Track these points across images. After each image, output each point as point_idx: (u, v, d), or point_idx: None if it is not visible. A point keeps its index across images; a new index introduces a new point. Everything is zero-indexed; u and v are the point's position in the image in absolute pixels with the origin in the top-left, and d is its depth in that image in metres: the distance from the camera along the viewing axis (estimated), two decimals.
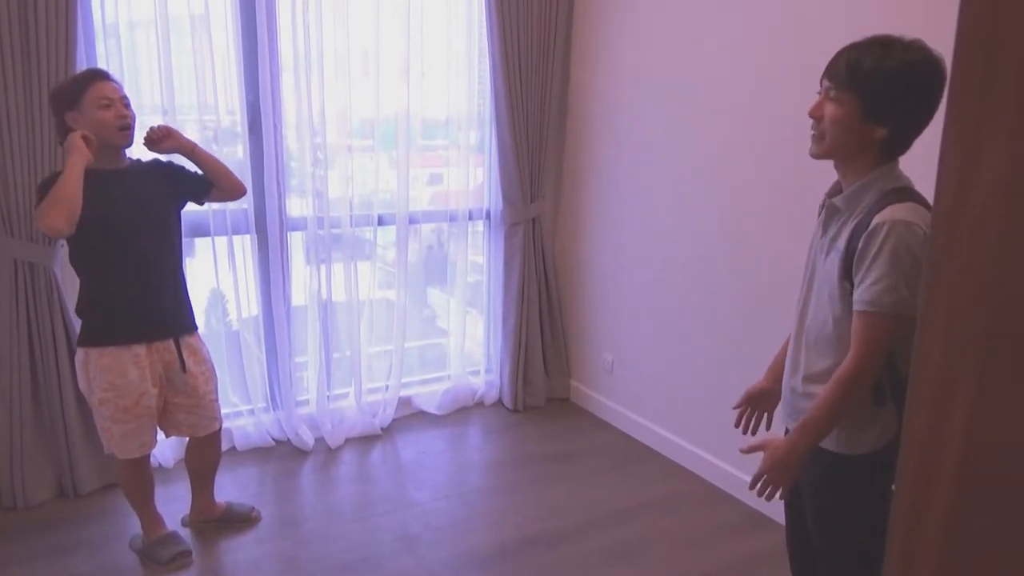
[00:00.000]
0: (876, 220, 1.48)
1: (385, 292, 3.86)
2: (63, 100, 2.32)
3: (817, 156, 1.61)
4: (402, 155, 3.58)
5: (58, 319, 2.87)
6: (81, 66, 2.81)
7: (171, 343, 2.50)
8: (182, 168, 2.59)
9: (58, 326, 2.87)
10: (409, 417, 3.89)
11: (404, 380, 3.85)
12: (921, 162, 1.48)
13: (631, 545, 2.82)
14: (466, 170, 3.81)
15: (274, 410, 3.53)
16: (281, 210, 3.33)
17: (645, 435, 3.65)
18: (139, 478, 2.61)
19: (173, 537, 2.68)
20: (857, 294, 1.51)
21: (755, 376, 1.96)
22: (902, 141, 1.55)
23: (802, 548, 1.86)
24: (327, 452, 3.50)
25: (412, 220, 3.74)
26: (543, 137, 3.82)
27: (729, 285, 3.10)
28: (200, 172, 2.57)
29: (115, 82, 2.38)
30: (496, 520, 2.98)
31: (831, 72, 1.55)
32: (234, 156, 3.27)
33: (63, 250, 2.90)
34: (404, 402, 3.89)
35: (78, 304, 2.46)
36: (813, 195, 1.84)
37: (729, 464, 3.18)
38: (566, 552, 2.78)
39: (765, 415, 1.94)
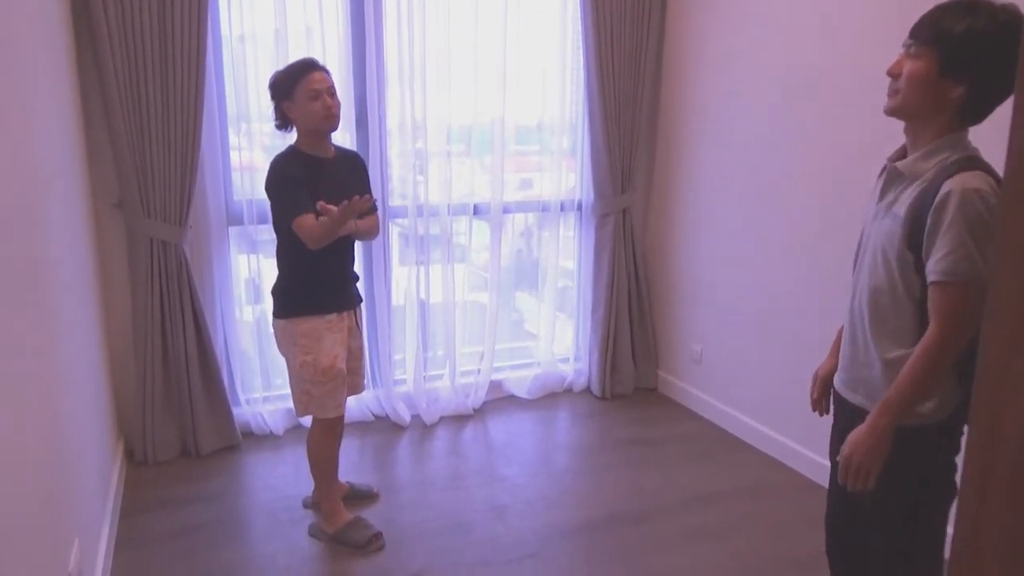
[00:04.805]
0: (945, 188, 1.45)
1: (477, 295, 4.01)
2: (280, 91, 2.49)
3: (890, 112, 1.58)
4: (496, 160, 3.73)
5: (186, 292, 3.16)
6: (209, 74, 3.10)
7: (352, 312, 2.73)
8: (367, 173, 2.79)
9: (186, 298, 3.16)
10: (500, 400, 4.03)
11: (496, 365, 4.00)
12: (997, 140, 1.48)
13: (717, 527, 2.85)
14: (558, 174, 3.92)
15: (374, 387, 3.74)
16: (384, 211, 3.53)
17: (733, 425, 3.65)
18: (332, 442, 2.72)
19: (363, 521, 2.75)
20: (931, 265, 1.47)
21: None
22: (979, 106, 1.50)
23: (846, 514, 1.82)
24: (422, 428, 3.68)
25: (506, 210, 3.88)
26: (635, 130, 3.89)
27: (819, 275, 3.08)
28: (370, 188, 2.78)
29: (324, 71, 2.51)
30: (583, 498, 3.07)
31: (914, 30, 1.54)
32: None
33: (191, 230, 3.19)
34: (495, 386, 4.03)
35: (280, 283, 2.61)
36: None
37: (819, 455, 3.15)
38: (651, 529, 2.83)
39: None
